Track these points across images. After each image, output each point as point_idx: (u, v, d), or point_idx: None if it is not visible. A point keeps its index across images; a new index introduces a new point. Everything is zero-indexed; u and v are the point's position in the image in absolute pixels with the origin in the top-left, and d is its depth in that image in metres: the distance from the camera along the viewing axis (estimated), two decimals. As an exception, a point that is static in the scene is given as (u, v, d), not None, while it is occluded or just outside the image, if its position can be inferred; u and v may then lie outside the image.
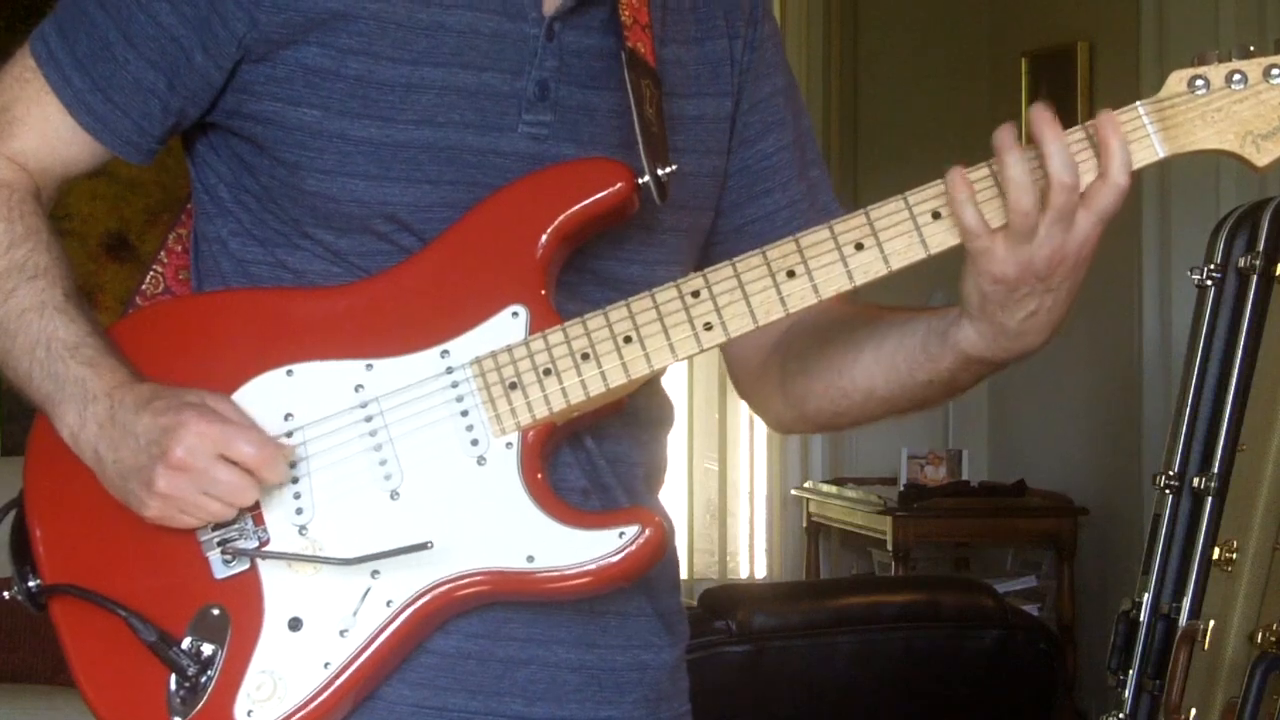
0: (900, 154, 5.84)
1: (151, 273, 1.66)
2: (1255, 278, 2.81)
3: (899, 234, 1.45)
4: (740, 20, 1.65)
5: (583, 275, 1.54)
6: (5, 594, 1.53)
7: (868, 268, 1.46)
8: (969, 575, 5.68)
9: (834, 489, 5.98)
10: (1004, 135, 1.42)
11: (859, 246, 1.46)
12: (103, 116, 1.54)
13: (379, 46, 1.49)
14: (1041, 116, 1.41)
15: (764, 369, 1.68)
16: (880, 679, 3.37)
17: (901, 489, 5.63)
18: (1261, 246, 2.81)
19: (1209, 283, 2.90)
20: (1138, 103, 1.44)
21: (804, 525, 6.15)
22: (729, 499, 6.61)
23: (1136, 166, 1.43)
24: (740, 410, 6.66)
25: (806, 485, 6.18)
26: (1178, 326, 4.55)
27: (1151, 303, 5.00)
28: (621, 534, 1.45)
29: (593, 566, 1.45)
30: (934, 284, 1.47)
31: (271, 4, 1.49)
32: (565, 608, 1.54)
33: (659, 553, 1.47)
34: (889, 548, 5.39)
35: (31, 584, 1.51)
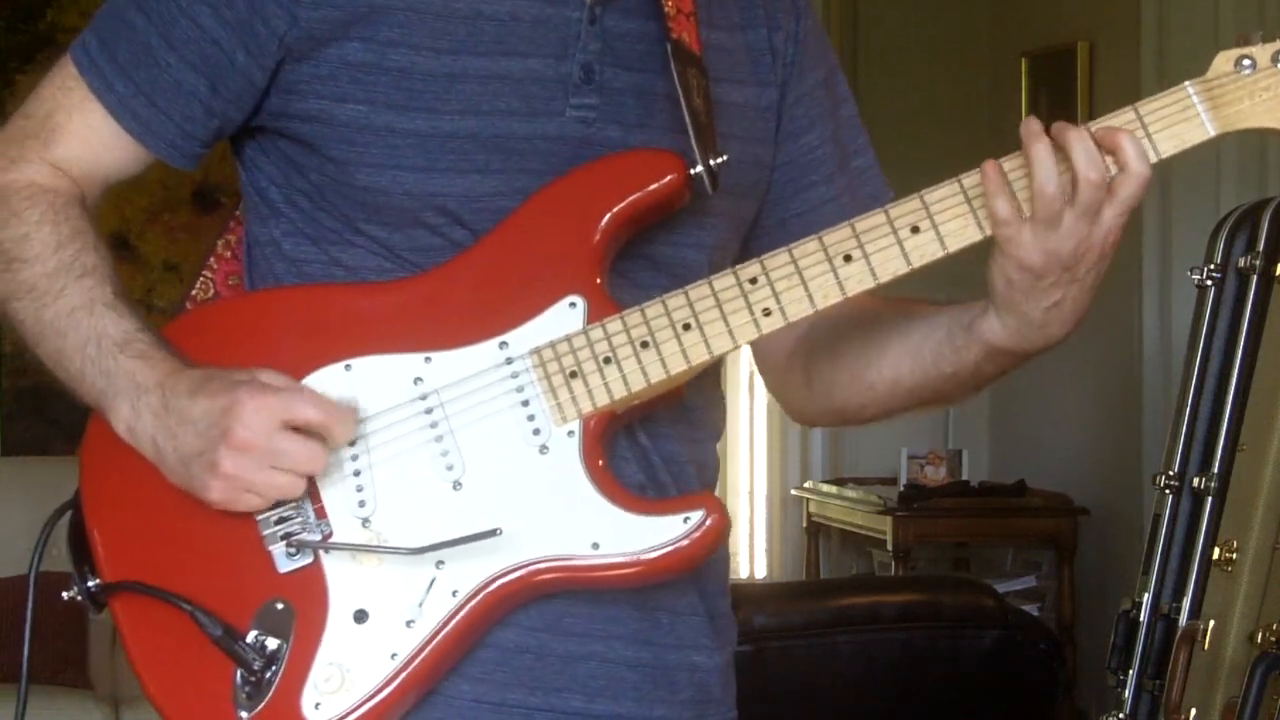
0: (900, 154, 5.81)
1: (201, 278, 1.67)
2: (1255, 278, 2.81)
3: (954, 216, 1.47)
4: (781, 12, 1.65)
5: (637, 260, 1.55)
6: (64, 594, 1.52)
7: (924, 250, 1.47)
8: (969, 575, 5.68)
9: (834, 489, 5.98)
10: (1031, 124, 1.43)
11: (915, 230, 1.47)
12: (147, 121, 1.55)
13: (418, 37, 1.50)
14: (1057, 125, 1.43)
15: (790, 360, 1.69)
16: (880, 679, 3.37)
17: (901, 489, 5.64)
18: (1261, 246, 2.81)
19: (1209, 283, 2.90)
20: (1186, 82, 1.46)
21: (804, 525, 6.15)
22: (729, 499, 6.61)
23: (1188, 146, 1.45)
24: (740, 410, 6.66)
25: (806, 485, 6.18)
26: (1178, 326, 4.55)
27: (1151, 303, 5.00)
28: (686, 519, 1.46)
29: (658, 553, 1.45)
30: (937, 284, 1.49)
31: (311, 1, 1.50)
32: (622, 603, 1.54)
33: (721, 539, 1.48)
34: (889, 548, 5.39)
35: (91, 583, 1.51)
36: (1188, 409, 2.91)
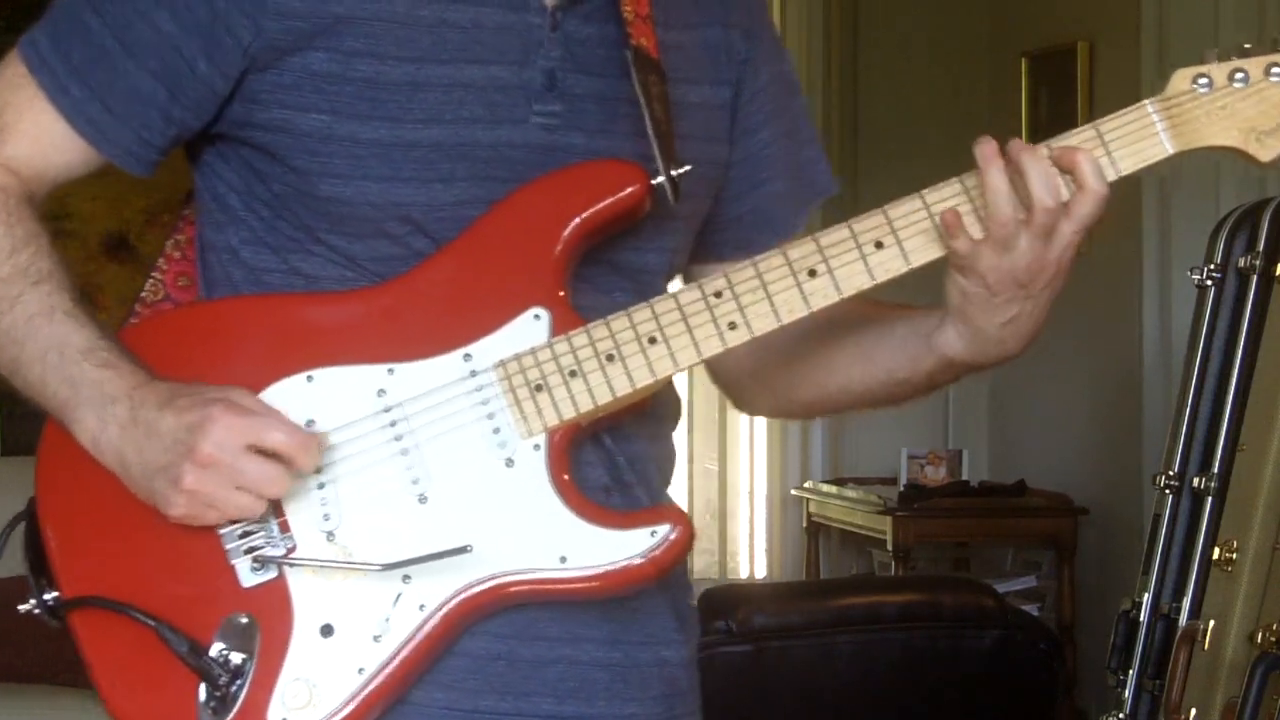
0: (900, 154, 5.83)
1: (151, 279, 1.64)
2: (1255, 278, 2.82)
3: (918, 232, 1.48)
4: (736, 8, 1.65)
5: (599, 265, 1.54)
6: (20, 608, 1.49)
7: (888, 265, 1.48)
8: (969, 575, 5.68)
9: (834, 489, 5.97)
10: (985, 147, 1.45)
11: (879, 245, 1.48)
12: (102, 126, 1.52)
13: (384, 47, 1.49)
14: (1014, 146, 1.45)
15: (739, 357, 1.68)
16: (880, 679, 3.38)
17: (901, 489, 5.63)
18: (1261, 246, 2.81)
19: (1209, 283, 2.91)
20: (1145, 101, 1.48)
21: (804, 525, 6.14)
22: (729, 499, 6.60)
23: (1148, 163, 1.47)
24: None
25: (806, 485, 6.18)
26: (1178, 326, 4.55)
27: (1151, 303, 5.00)
28: (653, 533, 1.46)
29: (625, 565, 1.46)
30: (917, 291, 1.52)
31: (276, 11, 1.48)
32: (592, 606, 1.53)
33: (686, 551, 1.49)
34: (889, 548, 5.39)
35: (49, 596, 1.49)
36: (1188, 409, 2.91)
